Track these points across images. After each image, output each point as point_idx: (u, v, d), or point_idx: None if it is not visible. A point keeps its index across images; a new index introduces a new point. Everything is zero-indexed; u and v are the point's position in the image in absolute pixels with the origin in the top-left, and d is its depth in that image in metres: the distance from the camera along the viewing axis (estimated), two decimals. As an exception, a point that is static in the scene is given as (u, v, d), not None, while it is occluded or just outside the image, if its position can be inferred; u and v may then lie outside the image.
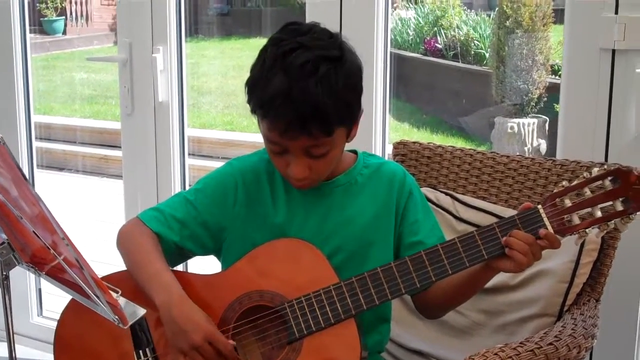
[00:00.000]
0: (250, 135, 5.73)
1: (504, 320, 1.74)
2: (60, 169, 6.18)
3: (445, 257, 1.41)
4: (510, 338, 1.68)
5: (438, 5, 5.66)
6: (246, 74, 1.43)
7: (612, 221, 1.37)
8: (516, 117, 4.55)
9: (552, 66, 4.49)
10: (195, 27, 6.89)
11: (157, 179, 2.63)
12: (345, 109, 1.40)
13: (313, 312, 1.42)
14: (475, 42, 5.31)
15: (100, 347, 1.49)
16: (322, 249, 1.47)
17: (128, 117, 2.65)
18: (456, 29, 5.45)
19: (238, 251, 1.51)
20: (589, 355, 1.95)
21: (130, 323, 1.21)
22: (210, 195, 1.55)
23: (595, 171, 1.38)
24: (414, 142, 1.99)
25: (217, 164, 1.64)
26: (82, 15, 7.75)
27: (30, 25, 2.94)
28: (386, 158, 2.17)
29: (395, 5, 5.75)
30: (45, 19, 7.52)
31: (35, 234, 1.18)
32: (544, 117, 4.53)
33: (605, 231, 1.39)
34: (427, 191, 1.90)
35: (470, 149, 1.94)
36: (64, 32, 7.72)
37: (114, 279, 1.46)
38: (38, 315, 3.05)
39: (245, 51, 6.91)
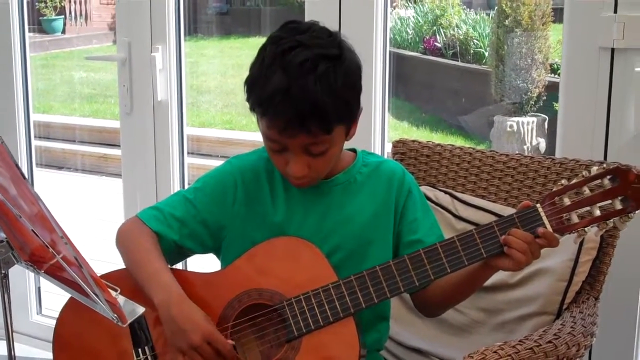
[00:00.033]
0: (249, 134, 5.73)
1: (503, 318, 1.75)
2: (60, 168, 6.17)
3: (444, 256, 1.41)
4: (509, 336, 1.69)
5: (437, 4, 5.66)
6: (245, 73, 1.43)
7: (611, 220, 1.37)
8: (515, 116, 4.55)
9: (551, 65, 4.49)
10: (194, 26, 6.89)
11: (156, 177, 2.63)
12: (344, 107, 1.40)
13: (312, 311, 1.42)
14: (475, 41, 5.31)
15: (99, 346, 1.49)
16: (321, 247, 1.47)
17: (127, 116, 2.65)
18: (455, 28, 5.45)
19: (237, 250, 1.51)
20: (588, 353, 1.95)
21: (129, 321, 1.20)
22: (209, 194, 1.55)
23: (594, 170, 1.38)
24: (413, 141, 1.99)
25: (217, 163, 1.64)
26: (81, 14, 7.74)
27: (29, 24, 2.94)
28: (385, 157, 2.17)
29: (394, 4, 5.75)
30: (45, 18, 7.51)
31: (34, 232, 1.17)
32: (543, 115, 4.53)
33: (604, 230, 1.39)
34: (426, 190, 1.90)
35: (469, 148, 1.94)
36: (63, 31, 7.71)
37: (113, 278, 1.47)
38: (37, 314, 3.05)
39: (244, 50, 6.90)
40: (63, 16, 7.63)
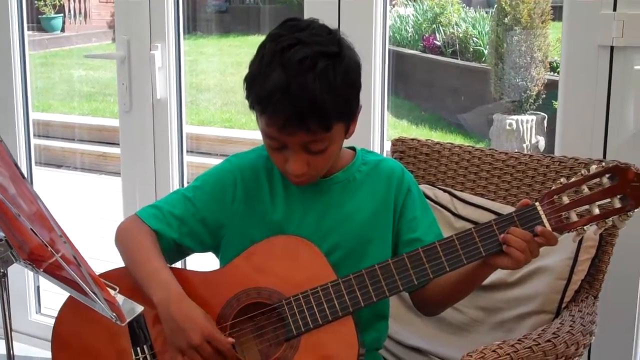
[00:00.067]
0: (248, 133, 5.73)
1: (502, 317, 1.75)
2: (59, 166, 6.17)
3: (443, 254, 1.41)
4: (508, 335, 1.69)
5: (437, 2, 5.65)
6: (245, 71, 1.43)
7: (610, 218, 1.37)
8: (515, 114, 4.54)
9: (550, 63, 4.48)
10: (193, 24, 6.88)
11: (155, 176, 2.63)
12: (344, 105, 1.40)
13: (311, 310, 1.42)
14: (474, 39, 5.30)
15: (98, 345, 1.49)
16: (320, 246, 1.47)
17: (126, 115, 2.64)
18: (455, 26, 5.44)
19: (236, 248, 1.51)
20: (587, 352, 1.95)
21: (128, 320, 1.20)
22: (208, 192, 1.55)
23: (594, 168, 1.38)
24: (413, 139, 1.99)
25: (216, 161, 1.64)
26: (80, 12, 7.73)
27: (28, 22, 2.94)
28: (384, 155, 2.17)
29: (393, 2, 5.75)
30: (44, 16, 7.50)
31: (33, 231, 1.17)
32: (542, 114, 4.52)
33: (603, 228, 1.39)
34: (425, 188, 1.90)
35: (468, 146, 1.94)
36: (62, 30, 7.70)
37: (112, 276, 1.46)
38: (36, 313, 3.05)
39: (243, 48, 6.90)
40: (62, 14, 7.62)
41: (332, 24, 1.46)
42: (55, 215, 1.17)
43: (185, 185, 2.58)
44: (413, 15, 5.80)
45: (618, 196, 1.36)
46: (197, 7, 7.05)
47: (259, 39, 1.45)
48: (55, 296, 2.88)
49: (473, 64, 5.30)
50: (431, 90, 5.78)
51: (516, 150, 1.93)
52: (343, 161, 1.55)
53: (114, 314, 1.18)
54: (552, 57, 4.47)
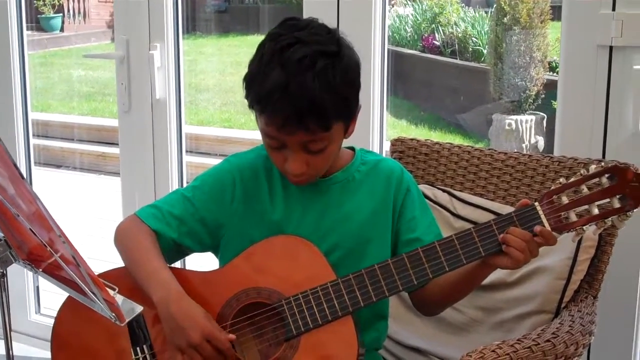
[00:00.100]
0: (248, 133, 5.73)
1: (502, 317, 1.75)
2: (58, 166, 6.17)
3: (443, 254, 1.41)
4: (507, 335, 1.69)
5: (436, 2, 5.65)
6: (244, 71, 1.43)
7: (609, 218, 1.37)
8: (514, 114, 4.54)
9: (549, 63, 4.48)
10: (192, 24, 6.88)
11: (154, 176, 2.63)
12: (343, 104, 1.40)
13: (310, 309, 1.42)
14: (473, 39, 5.30)
15: (97, 345, 1.49)
16: (320, 245, 1.47)
17: (125, 115, 2.64)
18: (454, 26, 5.44)
19: (236, 248, 1.51)
20: (586, 352, 1.95)
21: (127, 320, 1.20)
22: (207, 192, 1.55)
23: (593, 168, 1.38)
24: (412, 139, 1.99)
25: (215, 161, 1.64)
26: (79, 12, 7.72)
27: (27, 22, 2.94)
28: (384, 155, 2.17)
29: (392, 2, 5.75)
30: (43, 16, 7.50)
31: (32, 231, 1.17)
32: (541, 114, 4.52)
33: (602, 228, 1.39)
34: (424, 188, 1.90)
35: (468, 146, 1.94)
36: (62, 29, 7.69)
37: (111, 276, 1.46)
38: (36, 313, 3.05)
39: (243, 48, 6.90)
40: (61, 14, 7.61)
41: (331, 23, 1.46)
42: (55, 216, 1.17)
43: (185, 185, 2.58)
44: (412, 15, 5.80)
45: (617, 196, 1.36)
46: (196, 7, 7.05)
47: (258, 38, 1.45)
48: (54, 296, 2.87)
49: (472, 63, 5.30)
50: (430, 90, 5.77)
51: (515, 150, 1.93)
52: (342, 161, 1.55)
53: (113, 314, 1.18)
54: (551, 57, 4.47)
